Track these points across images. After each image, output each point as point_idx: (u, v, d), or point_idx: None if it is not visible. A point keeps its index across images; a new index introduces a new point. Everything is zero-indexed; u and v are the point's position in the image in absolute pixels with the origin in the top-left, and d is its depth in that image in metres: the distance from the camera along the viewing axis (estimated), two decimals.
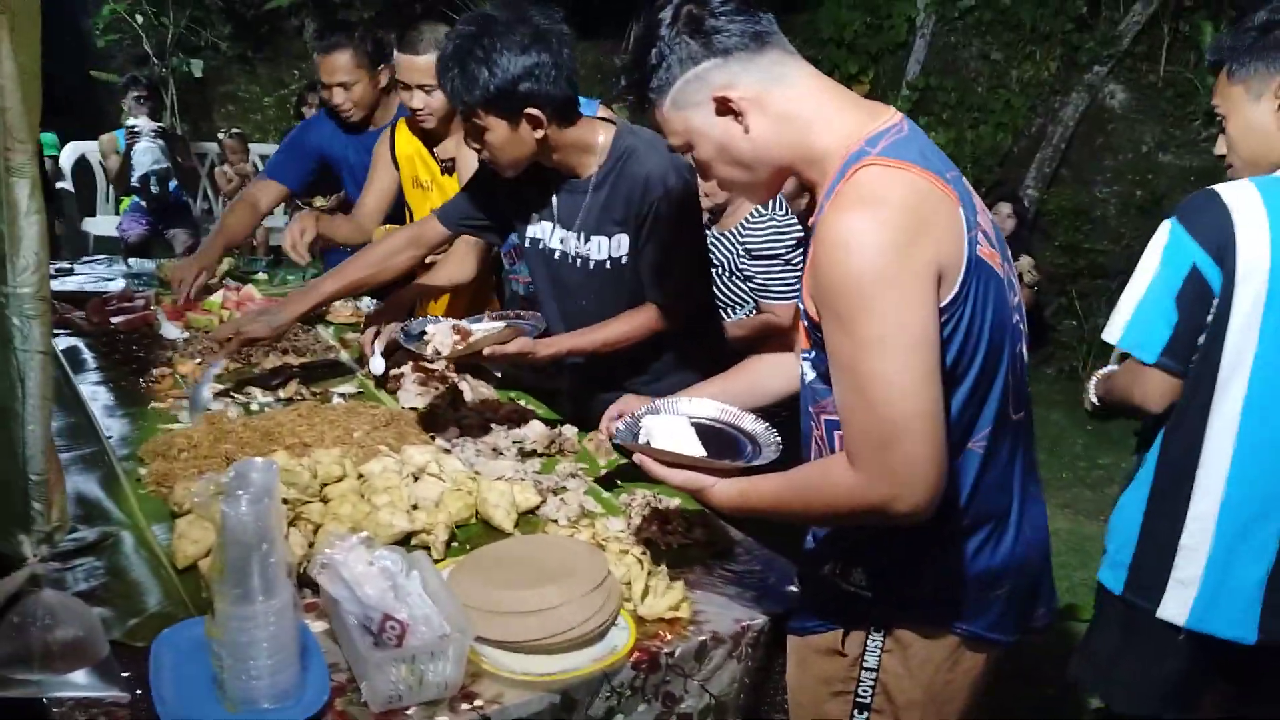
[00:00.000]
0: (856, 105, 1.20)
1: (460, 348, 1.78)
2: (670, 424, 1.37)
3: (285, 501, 1.46)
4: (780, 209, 2.53)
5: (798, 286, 2.46)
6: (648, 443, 1.33)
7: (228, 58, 7.17)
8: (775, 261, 2.49)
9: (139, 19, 6.54)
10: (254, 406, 2.03)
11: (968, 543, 1.22)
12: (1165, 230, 1.57)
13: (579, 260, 1.96)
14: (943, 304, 1.08)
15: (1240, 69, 1.58)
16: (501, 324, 1.87)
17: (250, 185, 3.03)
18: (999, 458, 1.22)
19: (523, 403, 2.21)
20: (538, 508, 1.67)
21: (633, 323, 1.94)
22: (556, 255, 1.99)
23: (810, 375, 1.24)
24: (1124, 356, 1.65)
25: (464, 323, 1.85)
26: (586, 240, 1.94)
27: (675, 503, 1.70)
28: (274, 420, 1.85)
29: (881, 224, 1.04)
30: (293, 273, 3.28)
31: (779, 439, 1.39)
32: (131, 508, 1.57)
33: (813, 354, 1.21)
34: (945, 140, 5.72)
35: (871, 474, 1.07)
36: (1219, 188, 1.55)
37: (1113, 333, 1.61)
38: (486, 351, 1.80)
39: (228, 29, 6.99)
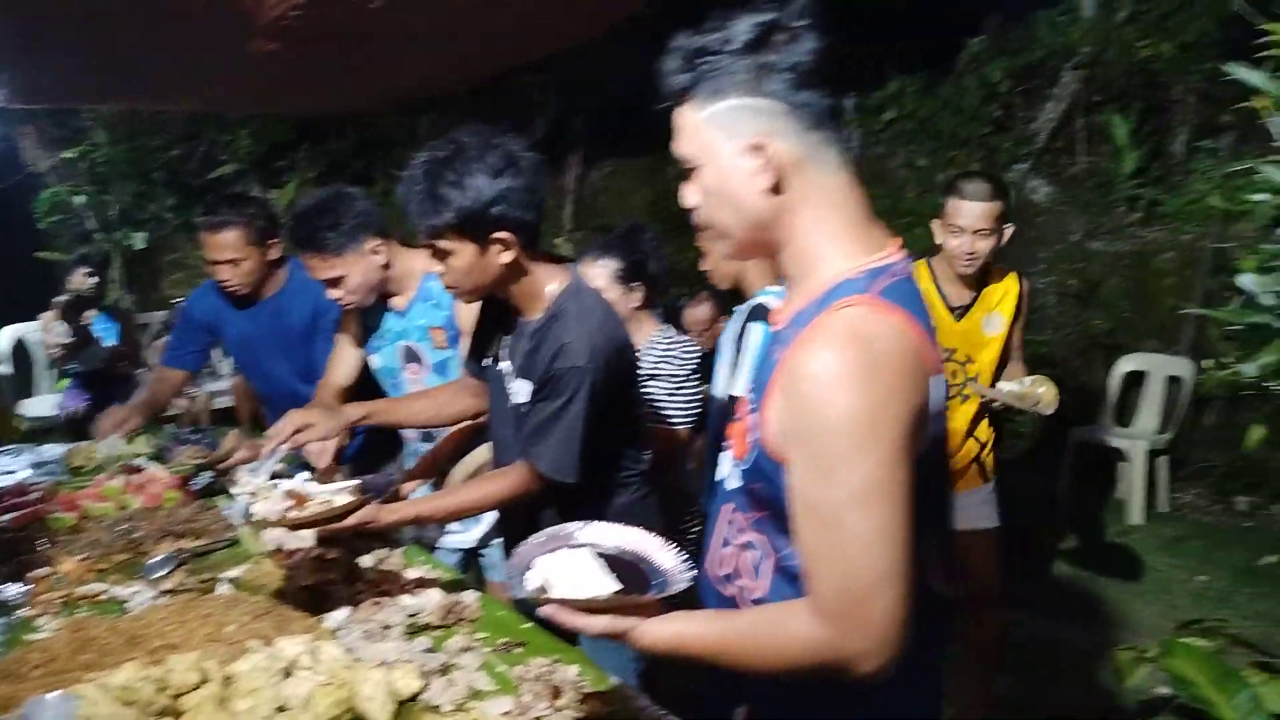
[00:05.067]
0: (868, 227, 1.13)
1: (290, 515, 1.65)
2: (570, 560, 1.25)
3: None
4: (680, 336, 2.51)
5: (696, 410, 2.42)
6: (542, 588, 1.17)
7: (174, 226, 7.27)
8: (670, 383, 2.43)
9: (80, 199, 6.66)
10: (132, 603, 1.90)
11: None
12: None
13: (509, 396, 1.96)
14: (921, 454, 1.03)
15: None
16: (348, 486, 1.76)
17: (154, 372, 3.05)
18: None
19: (428, 567, 2.10)
20: (420, 693, 1.54)
21: (494, 486, 1.90)
22: (502, 386, 2.00)
23: (734, 484, 1.18)
24: None
25: (306, 486, 1.74)
26: (514, 379, 1.94)
27: (572, 671, 1.58)
28: (142, 622, 1.71)
29: (874, 369, 0.99)
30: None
31: (689, 562, 1.27)
32: None
33: (747, 465, 1.14)
34: None
35: (844, 629, 1.00)
36: None
37: None
38: (319, 531, 1.69)
39: (172, 199, 7.10)
